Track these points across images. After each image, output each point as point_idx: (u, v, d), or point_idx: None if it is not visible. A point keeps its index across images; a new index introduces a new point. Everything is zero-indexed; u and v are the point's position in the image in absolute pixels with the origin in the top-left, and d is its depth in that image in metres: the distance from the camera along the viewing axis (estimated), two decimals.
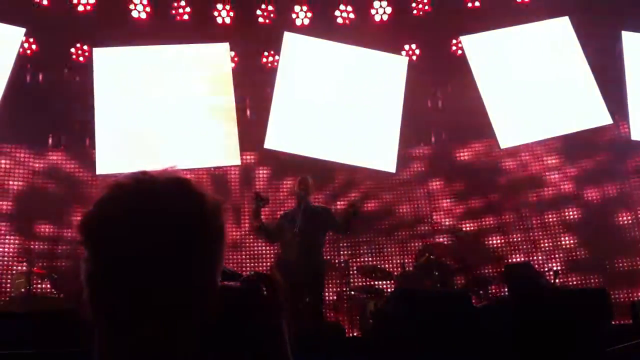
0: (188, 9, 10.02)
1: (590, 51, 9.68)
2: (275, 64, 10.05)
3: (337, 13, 10.20)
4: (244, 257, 9.64)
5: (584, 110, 9.65)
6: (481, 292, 8.62)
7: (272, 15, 10.18)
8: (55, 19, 9.59)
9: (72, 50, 10.03)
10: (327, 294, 8.59)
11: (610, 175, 9.87)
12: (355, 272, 9.13)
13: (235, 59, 10.22)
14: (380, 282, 9.09)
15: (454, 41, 10.45)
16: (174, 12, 10.01)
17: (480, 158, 10.44)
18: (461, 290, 8.22)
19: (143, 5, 9.89)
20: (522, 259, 9.70)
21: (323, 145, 9.56)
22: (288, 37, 9.82)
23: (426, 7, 10.28)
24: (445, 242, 9.60)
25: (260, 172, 10.16)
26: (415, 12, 10.32)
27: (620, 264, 9.46)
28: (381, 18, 10.26)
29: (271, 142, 9.49)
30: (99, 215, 1.10)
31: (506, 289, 8.79)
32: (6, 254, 9.10)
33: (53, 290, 8.47)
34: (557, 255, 9.73)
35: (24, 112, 9.11)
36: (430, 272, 8.30)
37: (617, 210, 9.75)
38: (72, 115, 9.74)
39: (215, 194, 1.18)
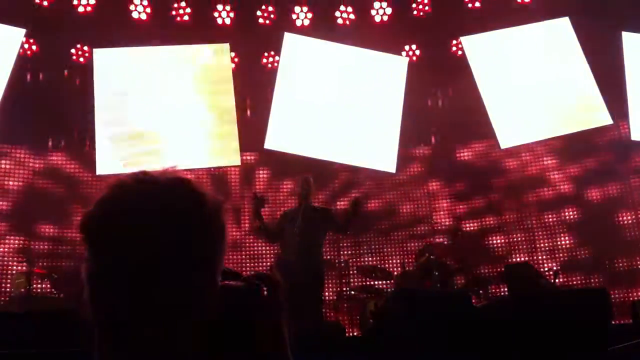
0: (188, 10, 10.03)
1: (590, 51, 9.69)
2: (276, 64, 10.06)
3: (337, 14, 10.21)
4: (244, 257, 9.64)
5: (584, 110, 9.65)
6: (481, 292, 8.63)
7: (272, 16, 10.19)
8: (56, 20, 9.60)
9: (72, 51, 10.03)
10: (327, 293, 8.58)
11: (610, 175, 9.87)
12: (355, 272, 9.14)
13: (236, 59, 10.22)
14: (380, 282, 9.09)
15: (454, 42, 10.46)
16: (174, 13, 10.01)
17: (481, 158, 10.44)
18: (461, 290, 8.23)
19: (143, 6, 9.89)
20: (522, 259, 9.70)
21: (323, 146, 9.57)
22: (288, 37, 9.83)
23: (426, 8, 10.29)
24: (445, 242, 9.60)
25: (261, 172, 10.16)
26: (415, 12, 10.32)
27: (620, 264, 9.46)
28: (381, 19, 10.27)
29: (271, 142, 9.50)
30: (100, 215, 1.10)
31: (506, 289, 8.80)
32: (6, 254, 9.10)
33: (53, 290, 8.47)
34: (557, 255, 9.73)
35: (24, 112, 9.11)
36: (430, 272, 8.30)
37: (617, 210, 9.75)
38: (72, 116, 9.74)
39: (216, 194, 1.18)
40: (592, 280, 9.46)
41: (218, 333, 1.11)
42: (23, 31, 9.16)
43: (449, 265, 8.77)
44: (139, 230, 1.07)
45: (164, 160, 9.19)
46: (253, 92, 10.35)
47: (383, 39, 10.08)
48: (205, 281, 1.11)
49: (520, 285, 7.46)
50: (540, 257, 9.75)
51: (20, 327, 4.74)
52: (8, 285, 8.76)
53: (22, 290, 7.94)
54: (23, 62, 9.46)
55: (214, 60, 9.95)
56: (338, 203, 9.60)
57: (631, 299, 8.91)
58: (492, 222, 10.12)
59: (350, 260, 9.16)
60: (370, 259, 9.72)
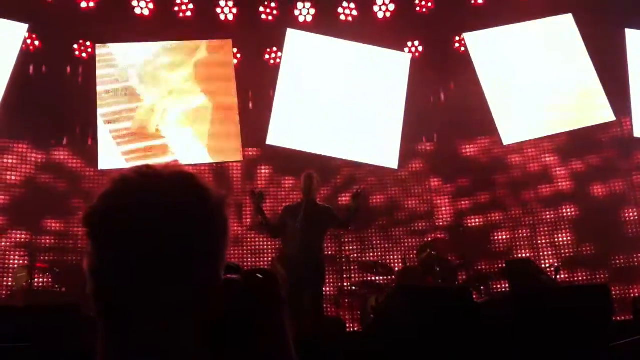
0: (191, 6, 10.02)
1: (593, 48, 9.67)
2: (278, 60, 10.06)
3: (340, 10, 10.21)
4: (245, 252, 9.65)
5: (587, 107, 9.64)
6: (482, 287, 8.63)
7: (275, 12, 10.18)
8: (59, 15, 9.59)
9: (75, 46, 10.03)
10: (328, 289, 8.60)
11: (612, 172, 9.86)
12: (356, 267, 9.14)
13: (238, 55, 10.22)
14: (381, 278, 9.10)
15: (457, 38, 10.44)
16: (176, 8, 10.00)
17: (483, 155, 10.43)
18: (462, 286, 8.23)
19: (146, 2, 9.89)
20: (524, 255, 9.70)
21: (326, 142, 9.57)
22: (291, 33, 9.82)
23: (429, 4, 10.27)
24: (447, 238, 9.61)
25: (263, 168, 10.17)
26: (418, 9, 10.31)
27: (622, 260, 9.46)
28: (384, 15, 10.25)
29: (273, 138, 9.50)
30: (103, 209, 1.10)
31: (507, 285, 8.80)
32: (7, 248, 9.12)
33: (55, 284, 8.48)
34: (558, 252, 9.73)
35: (26, 107, 9.12)
36: (432, 268, 8.31)
37: (619, 206, 9.74)
38: (75, 111, 9.74)
39: (219, 189, 1.18)
40: (593, 277, 9.45)
41: (220, 327, 1.12)
42: (26, 26, 9.16)
43: (450, 261, 8.77)
44: (142, 225, 1.08)
45: (166, 155, 9.20)
46: (255, 88, 10.34)
47: (386, 35, 10.08)
48: (208, 275, 1.12)
49: (521, 281, 7.46)
50: (541, 253, 9.75)
51: (22, 321, 4.74)
52: (10, 279, 8.78)
53: (24, 284, 7.95)
54: (26, 57, 9.46)
55: (216, 56, 9.95)
56: (340, 199, 9.60)
57: (632, 295, 8.92)
58: (493, 218, 10.12)
59: (352, 256, 9.16)
60: (371, 254, 9.72)
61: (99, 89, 9.50)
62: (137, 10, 9.88)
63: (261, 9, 10.14)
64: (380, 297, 7.65)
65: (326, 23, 10.08)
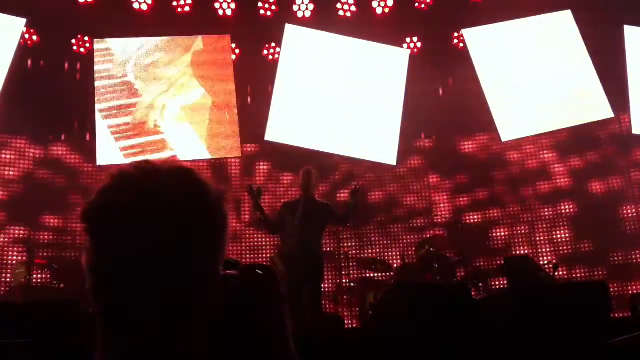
0: (189, 1, 9.99)
1: (592, 45, 9.67)
2: (277, 56, 10.04)
3: (338, 5, 10.19)
4: (243, 248, 9.65)
5: (586, 103, 9.64)
6: (481, 284, 8.64)
7: (273, 7, 10.16)
8: (57, 10, 9.56)
9: (73, 41, 10.01)
10: (326, 285, 8.60)
11: (610, 169, 9.87)
12: (355, 264, 9.14)
13: (237, 51, 10.20)
14: (380, 275, 9.10)
15: (456, 34, 10.43)
16: (175, 3, 9.98)
17: (482, 151, 10.43)
18: (460, 283, 8.24)
19: None
20: (523, 251, 9.70)
21: (324, 138, 9.56)
22: (289, 29, 9.81)
23: (428, 0, 10.25)
24: (445, 235, 9.61)
25: (261, 164, 10.16)
26: (417, 4, 10.29)
27: (620, 257, 9.46)
28: (383, 10, 10.23)
29: (272, 134, 9.49)
30: (101, 205, 1.09)
31: (505, 282, 8.81)
32: (6, 244, 9.10)
33: (53, 280, 8.48)
34: (556, 248, 9.73)
35: (24, 102, 9.10)
36: (430, 265, 8.31)
37: (617, 203, 9.74)
38: (73, 106, 9.73)
39: (218, 184, 1.18)
40: (592, 274, 9.45)
41: (219, 323, 1.11)
42: (24, 21, 9.14)
43: (448, 257, 8.78)
44: (141, 220, 1.07)
45: (165, 151, 9.19)
46: (254, 84, 10.33)
47: (384, 31, 10.06)
48: (207, 271, 1.12)
49: (519, 278, 7.46)
50: (540, 250, 9.76)
51: (21, 317, 4.74)
52: (8, 275, 8.77)
53: (23, 280, 7.94)
54: (24, 52, 9.44)
55: (215, 52, 9.94)
56: (338, 195, 9.60)
57: (630, 292, 8.94)
58: (492, 215, 10.12)
59: (350, 253, 9.16)
60: (370, 251, 9.72)
61: (97, 84, 9.49)
62: (136, 5, 9.85)
63: (260, 4, 10.12)
64: (379, 293, 7.65)
65: (325, 19, 10.07)
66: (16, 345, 4.08)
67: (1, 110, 8.86)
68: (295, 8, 10.11)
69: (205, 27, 10.04)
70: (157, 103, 9.60)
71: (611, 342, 4.63)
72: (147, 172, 1.13)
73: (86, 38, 9.98)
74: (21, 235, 9.17)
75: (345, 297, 8.97)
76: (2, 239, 9.11)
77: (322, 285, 7.04)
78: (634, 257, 9.40)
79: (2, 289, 8.84)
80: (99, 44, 9.71)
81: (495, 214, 10.11)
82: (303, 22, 10.05)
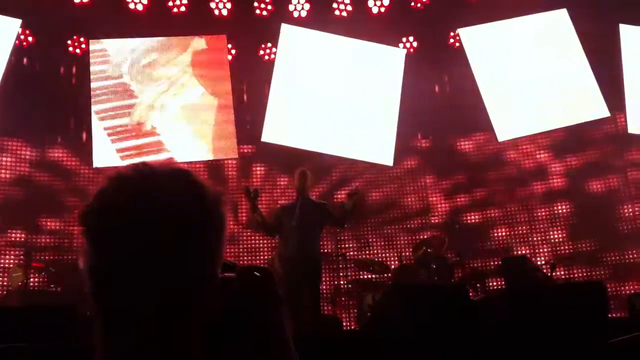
0: (185, 1, 9.99)
1: (588, 43, 9.69)
2: (273, 56, 10.05)
3: (334, 5, 10.20)
4: (240, 250, 9.64)
5: (582, 102, 9.66)
6: (478, 285, 8.64)
7: (269, 7, 10.17)
8: (52, 11, 9.54)
9: (69, 42, 10.00)
10: (324, 287, 8.58)
11: (607, 168, 9.87)
12: (352, 265, 9.14)
13: (233, 51, 10.20)
14: (377, 276, 9.09)
15: (452, 33, 10.44)
16: (171, 3, 9.97)
17: (478, 151, 10.43)
18: (458, 284, 8.23)
19: None
20: (520, 252, 9.71)
21: (320, 138, 9.56)
22: (285, 29, 9.81)
23: None
24: (443, 235, 9.60)
25: (258, 165, 10.15)
26: (412, 4, 10.31)
27: (618, 257, 9.47)
28: (379, 10, 10.25)
29: (268, 135, 9.48)
30: (99, 207, 1.09)
31: (503, 282, 8.81)
32: (2, 247, 9.07)
33: (50, 284, 8.45)
34: (553, 248, 9.73)
35: (20, 104, 9.07)
36: (428, 266, 8.31)
37: (613, 203, 9.75)
38: (69, 108, 9.71)
39: (215, 186, 1.18)
40: (589, 274, 9.46)
41: (218, 325, 1.11)
42: (19, 21, 9.12)
43: (446, 258, 8.77)
44: (139, 223, 1.07)
45: (161, 153, 9.18)
46: (250, 84, 10.33)
47: (380, 30, 10.07)
48: (205, 273, 1.11)
49: (517, 279, 7.47)
50: (537, 250, 9.76)
51: (19, 321, 4.72)
52: (5, 279, 8.74)
53: (19, 284, 7.92)
54: (19, 53, 9.42)
55: (211, 52, 9.93)
56: (335, 197, 9.59)
57: (627, 292, 8.94)
58: (489, 215, 10.12)
59: (348, 254, 9.15)
60: (367, 252, 9.71)
61: (93, 85, 9.48)
62: (131, 6, 9.84)
63: (255, 4, 10.13)
64: (377, 295, 7.65)
65: (321, 18, 10.08)
66: (14, 349, 4.06)
67: None
68: (291, 7, 10.12)
69: (201, 27, 10.05)
70: (156, 103, 9.59)
71: (609, 342, 4.64)
72: (145, 175, 1.13)
73: (82, 39, 9.96)
74: (18, 239, 9.14)
75: (343, 298, 8.97)
76: None
77: (320, 287, 7.03)
78: (631, 256, 9.40)
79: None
80: (94, 45, 9.71)
81: (493, 214, 10.11)
82: (299, 22, 10.06)
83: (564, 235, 9.76)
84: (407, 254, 9.39)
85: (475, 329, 5.00)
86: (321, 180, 9.66)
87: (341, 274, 8.91)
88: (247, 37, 10.30)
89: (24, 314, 5.09)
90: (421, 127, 10.53)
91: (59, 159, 9.79)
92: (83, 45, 9.94)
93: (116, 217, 1.07)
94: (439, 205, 10.27)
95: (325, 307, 8.66)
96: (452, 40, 10.50)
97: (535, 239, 9.86)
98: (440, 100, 10.42)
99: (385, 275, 8.96)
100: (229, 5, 10.08)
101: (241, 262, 9.11)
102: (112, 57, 9.70)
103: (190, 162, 9.16)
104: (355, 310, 8.55)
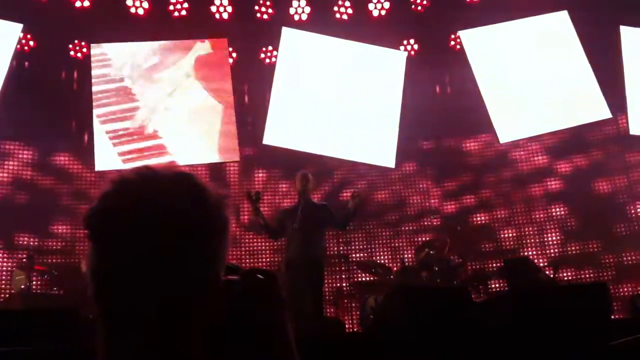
0: (186, 5, 10.00)
1: (589, 45, 9.69)
2: (274, 59, 10.05)
3: (335, 8, 10.20)
4: (243, 253, 9.63)
5: (583, 104, 9.65)
6: (481, 287, 8.63)
7: (270, 10, 10.18)
8: (53, 15, 9.56)
9: (70, 46, 10.01)
10: (327, 289, 8.58)
11: (609, 170, 9.86)
12: (355, 267, 9.13)
13: (234, 54, 10.21)
14: (380, 278, 9.07)
15: (453, 36, 10.44)
16: (171, 7, 9.99)
17: (480, 153, 10.42)
18: (461, 286, 8.22)
19: (140, 1, 9.87)
20: (523, 253, 9.68)
21: (322, 141, 9.57)
22: (286, 32, 9.82)
23: (424, 2, 10.28)
24: (445, 237, 9.58)
25: (259, 167, 10.14)
26: (413, 6, 10.31)
27: (621, 258, 9.44)
28: (379, 13, 10.26)
29: (270, 137, 9.49)
30: (103, 210, 1.10)
31: (505, 284, 8.79)
32: (5, 251, 9.06)
33: (53, 287, 8.45)
34: (559, 249, 9.71)
35: (22, 108, 9.07)
36: (430, 268, 8.30)
37: (617, 203, 9.73)
38: (71, 112, 9.72)
39: (218, 189, 1.18)
40: (592, 275, 9.44)
41: (221, 329, 1.11)
42: (20, 26, 9.14)
43: (448, 260, 8.76)
44: (142, 226, 1.07)
45: (163, 156, 9.19)
46: (251, 87, 10.34)
47: (381, 33, 10.08)
48: (208, 276, 1.11)
49: (519, 280, 7.46)
50: (539, 252, 9.74)
51: (22, 324, 4.72)
52: (8, 282, 8.74)
53: (22, 287, 7.92)
54: (20, 58, 9.43)
55: (212, 56, 9.94)
56: (337, 199, 9.58)
57: (630, 293, 8.92)
58: (492, 216, 10.10)
59: (350, 256, 9.15)
60: (370, 254, 9.70)
61: (94, 89, 9.48)
62: (132, 10, 9.85)
63: (256, 7, 10.13)
64: (379, 297, 7.64)
65: (321, 21, 10.08)
66: (16, 352, 4.07)
67: None
68: (291, 11, 10.13)
69: (202, 30, 10.05)
70: (158, 106, 9.59)
71: (612, 344, 4.63)
72: (147, 178, 1.13)
73: (83, 43, 9.97)
74: (21, 242, 9.13)
75: (345, 301, 8.96)
76: (1, 246, 9.06)
77: (323, 289, 7.03)
78: (634, 257, 9.38)
79: (2, 295, 8.80)
80: (95, 49, 9.71)
81: (496, 215, 10.10)
82: (300, 25, 10.06)
83: (566, 236, 9.74)
84: (410, 256, 9.37)
85: (477, 331, 4.99)
86: (323, 183, 9.66)
87: (343, 277, 8.91)
88: (248, 41, 10.30)
89: (27, 316, 5.10)
90: (422, 130, 10.50)
91: (61, 163, 9.79)
92: (84, 50, 9.95)
93: (119, 220, 1.08)
94: (441, 207, 10.26)
95: (328, 310, 8.64)
96: (452, 43, 10.49)
97: (537, 240, 9.84)
98: (441, 103, 10.41)
99: (388, 277, 8.95)
100: (229, 9, 10.09)
101: (243, 265, 9.09)
102: (113, 60, 9.71)
103: (192, 165, 9.16)
104: (358, 313, 8.55)
